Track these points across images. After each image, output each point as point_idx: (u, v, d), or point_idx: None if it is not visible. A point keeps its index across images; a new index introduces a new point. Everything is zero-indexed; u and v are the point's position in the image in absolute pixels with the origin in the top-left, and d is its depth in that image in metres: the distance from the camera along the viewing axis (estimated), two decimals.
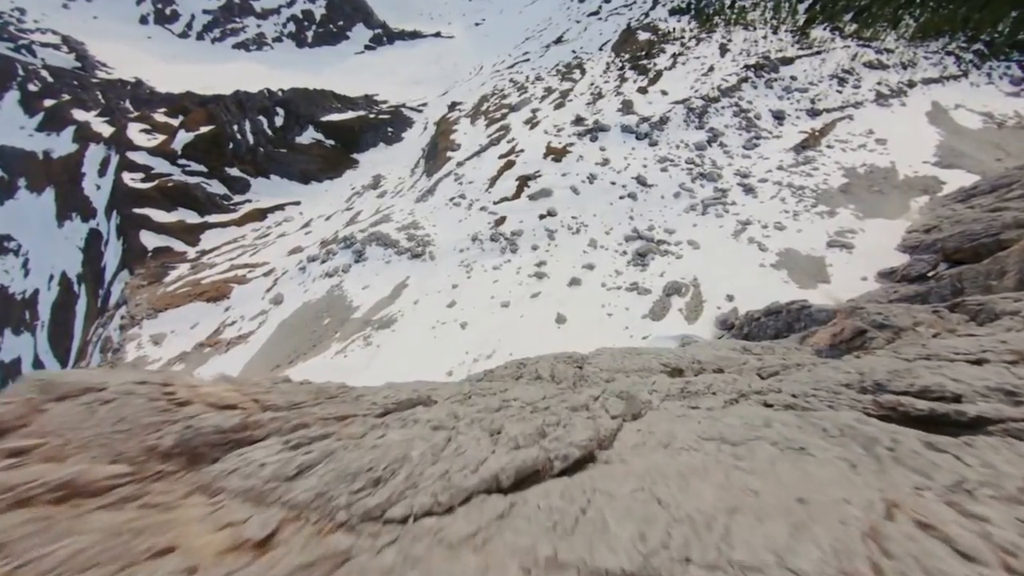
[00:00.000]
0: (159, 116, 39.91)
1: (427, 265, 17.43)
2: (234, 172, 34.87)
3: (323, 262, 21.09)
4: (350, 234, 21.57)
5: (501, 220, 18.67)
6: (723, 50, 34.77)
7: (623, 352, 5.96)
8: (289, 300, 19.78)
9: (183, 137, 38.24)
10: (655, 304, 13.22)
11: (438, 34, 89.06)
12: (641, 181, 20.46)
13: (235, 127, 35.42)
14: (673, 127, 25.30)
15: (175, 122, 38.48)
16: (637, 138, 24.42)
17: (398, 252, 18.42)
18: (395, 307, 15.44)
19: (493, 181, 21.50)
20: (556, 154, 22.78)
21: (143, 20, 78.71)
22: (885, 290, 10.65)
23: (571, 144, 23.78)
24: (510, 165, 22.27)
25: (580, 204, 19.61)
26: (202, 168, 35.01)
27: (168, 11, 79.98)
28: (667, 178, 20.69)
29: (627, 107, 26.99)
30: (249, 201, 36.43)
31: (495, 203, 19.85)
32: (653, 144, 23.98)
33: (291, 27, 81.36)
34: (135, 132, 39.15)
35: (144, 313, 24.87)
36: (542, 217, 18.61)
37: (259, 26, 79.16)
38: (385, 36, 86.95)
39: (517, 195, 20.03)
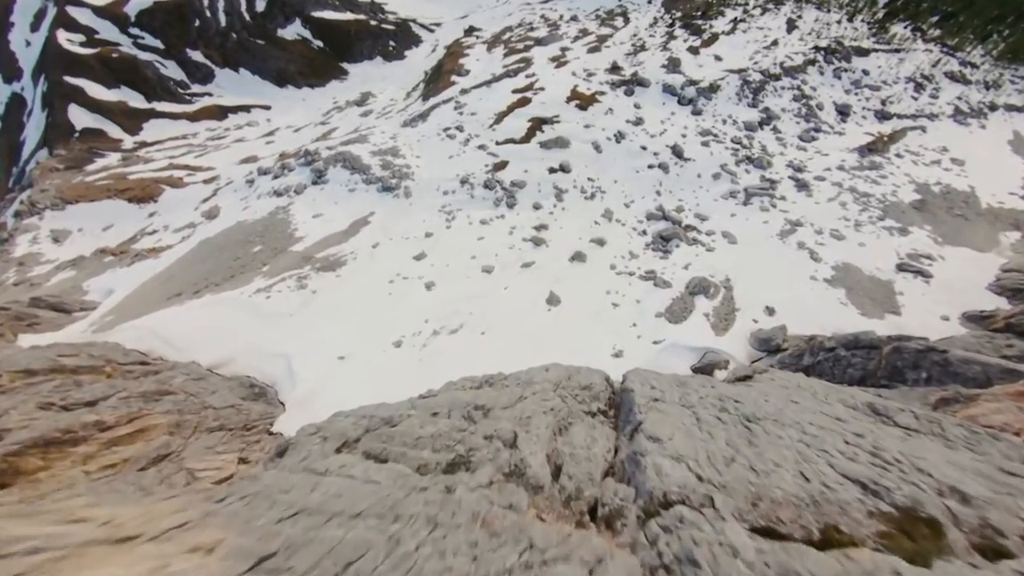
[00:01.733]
0: None
1: (399, 203, 14.40)
2: (196, 56, 29.89)
3: (275, 177, 17.70)
4: (314, 149, 18.10)
5: (501, 165, 15.59)
6: (791, 25, 31.11)
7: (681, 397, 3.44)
8: (225, 216, 16.51)
9: (140, 1, 32.50)
10: (675, 302, 10.76)
11: None
12: (677, 152, 17.56)
13: (206, 1, 30.10)
14: (723, 99, 22.15)
15: None
16: (680, 102, 21.24)
17: (367, 180, 15.25)
18: (348, 247, 12.52)
19: (500, 117, 18.17)
20: (582, 101, 19.47)
21: None
22: (979, 340, 8.40)
23: (601, 93, 20.43)
24: (524, 103, 18.89)
25: (600, 164, 16.66)
26: (158, 44, 29.85)
27: None
28: (707, 154, 17.85)
29: (673, 65, 23.52)
30: (210, 95, 31.65)
31: (498, 143, 16.67)
32: (697, 113, 20.89)
33: None
34: None
35: (49, 201, 21.04)
36: (552, 171, 15.63)
37: None
38: None
39: (527, 139, 16.87)
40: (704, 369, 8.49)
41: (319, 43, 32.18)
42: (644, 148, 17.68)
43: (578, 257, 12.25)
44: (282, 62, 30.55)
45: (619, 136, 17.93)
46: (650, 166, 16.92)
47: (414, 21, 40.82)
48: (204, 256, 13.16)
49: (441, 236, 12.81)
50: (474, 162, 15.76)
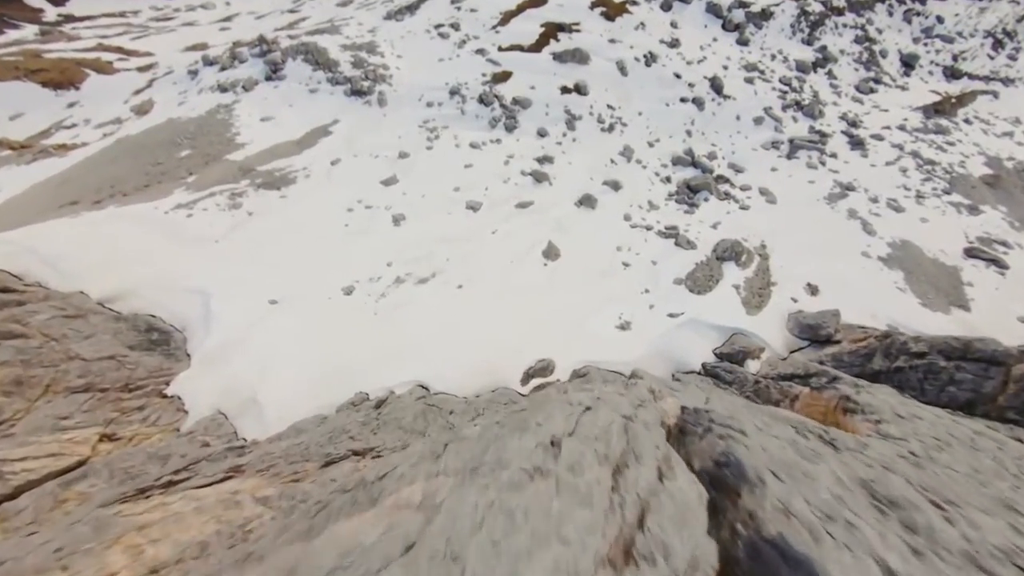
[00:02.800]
0: None
1: (370, 111, 11.77)
2: None
3: (222, 69, 14.52)
4: (272, 38, 14.78)
5: (503, 76, 12.83)
6: None
7: None
8: (160, 113, 13.58)
9: None
10: (698, 268, 8.99)
11: None
12: (716, 86, 14.88)
13: None
14: (774, 29, 18.94)
15: None
16: (724, 27, 18.03)
17: (333, 80, 12.40)
18: (300, 161, 10.14)
19: (507, 18, 14.93)
20: (610, 9, 16.17)
21: None
22: None
23: (634, 3, 17.03)
24: (538, 2, 15.54)
25: (624, 90, 13.99)
26: None
27: None
28: (751, 93, 15.23)
29: None
30: None
31: (501, 49, 13.71)
32: (743, 43, 17.81)
33: None
34: None
35: None
36: (566, 91, 12.97)
37: None
38: None
39: (538, 47, 13.91)
40: (733, 356, 6.93)
41: None
42: (678, 76, 14.92)
43: (586, 201, 10.18)
44: None
45: (650, 58, 15.03)
46: (683, 99, 14.32)
47: None
48: (116, 156, 10.61)
49: (419, 158, 10.48)
50: (469, 69, 12.93)
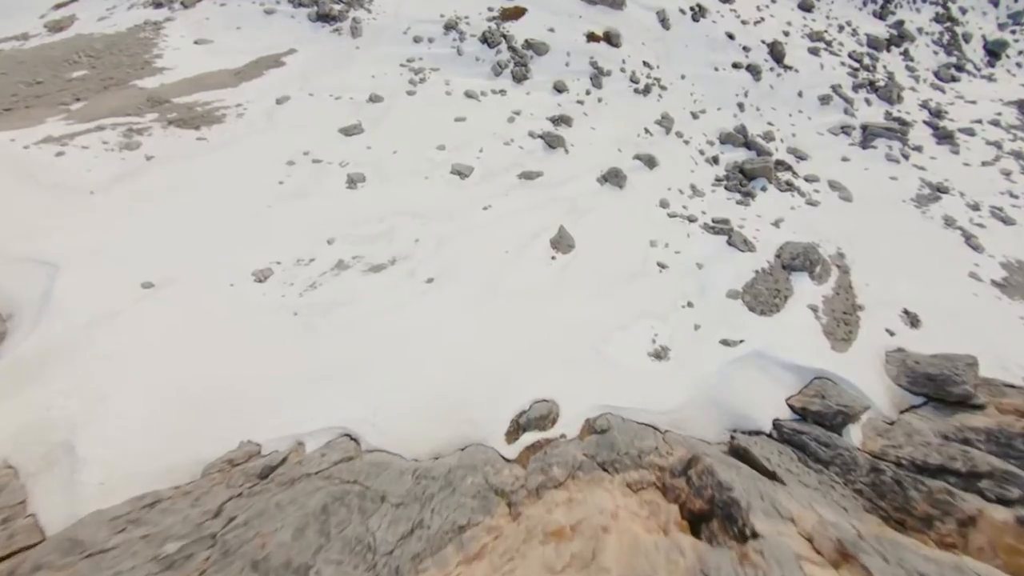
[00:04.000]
0: None
1: (340, 42, 9.46)
2: None
3: None
4: None
5: (514, 13, 10.52)
6: None
7: None
8: (78, 30, 11.19)
9: None
10: (759, 277, 6.93)
11: None
12: (776, 54, 12.63)
13: None
14: None
15: None
16: None
17: (296, 1, 10.05)
18: (236, 95, 7.89)
19: None
20: None
21: None
22: None
23: None
24: None
25: (665, 47, 11.74)
26: None
27: None
28: (816, 66, 13.01)
29: None
30: None
31: None
32: (806, 8, 15.48)
33: None
34: None
35: None
36: (593, 39, 10.69)
37: None
38: None
39: None
40: (824, 416, 4.89)
41: None
42: (731, 37, 12.64)
43: (613, 178, 8.02)
44: None
45: (698, 11, 12.72)
46: (735, 65, 12.08)
47: None
48: None
49: (396, 104, 8.25)
50: (471, 1, 10.59)
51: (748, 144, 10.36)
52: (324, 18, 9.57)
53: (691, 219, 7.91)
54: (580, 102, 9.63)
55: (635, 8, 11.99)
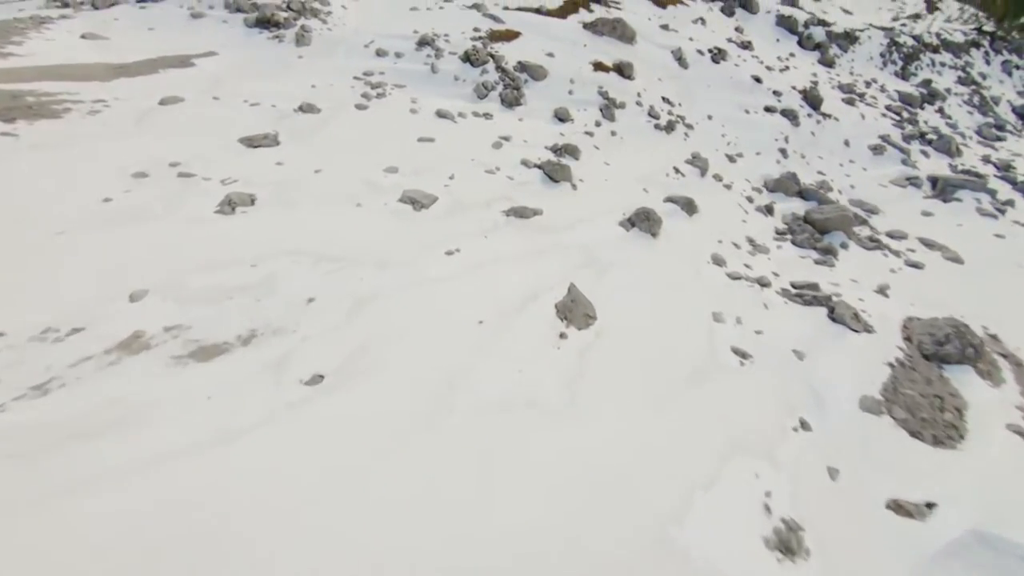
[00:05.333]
0: None
1: (278, 50, 7.73)
2: None
3: None
4: None
5: (505, 35, 9.11)
6: (931, 6, 25.73)
7: None
8: None
9: None
10: (899, 375, 4.42)
11: None
12: (812, 100, 11.42)
13: None
14: (862, 55, 16.29)
15: None
16: (801, 43, 15.21)
17: (234, 6, 8.55)
18: (103, 91, 5.79)
19: None
20: (661, 1, 13.22)
21: None
22: None
23: None
24: None
25: (684, 85, 10.39)
26: None
27: None
28: (856, 116, 11.78)
29: None
30: None
31: (507, 9, 10.21)
32: (828, 64, 14.88)
33: None
34: None
35: None
36: (601, 69, 9.23)
37: None
38: None
39: (562, 14, 10.47)
40: None
41: None
42: (758, 80, 11.47)
43: (643, 222, 5.80)
44: None
45: (717, 54, 11.69)
46: (768, 109, 10.70)
47: None
48: None
49: (338, 117, 6.21)
50: (455, 21, 9.23)
51: (803, 193, 8.49)
52: (265, 24, 7.95)
53: (762, 283, 5.58)
54: (589, 133, 7.77)
55: (647, 44, 10.86)
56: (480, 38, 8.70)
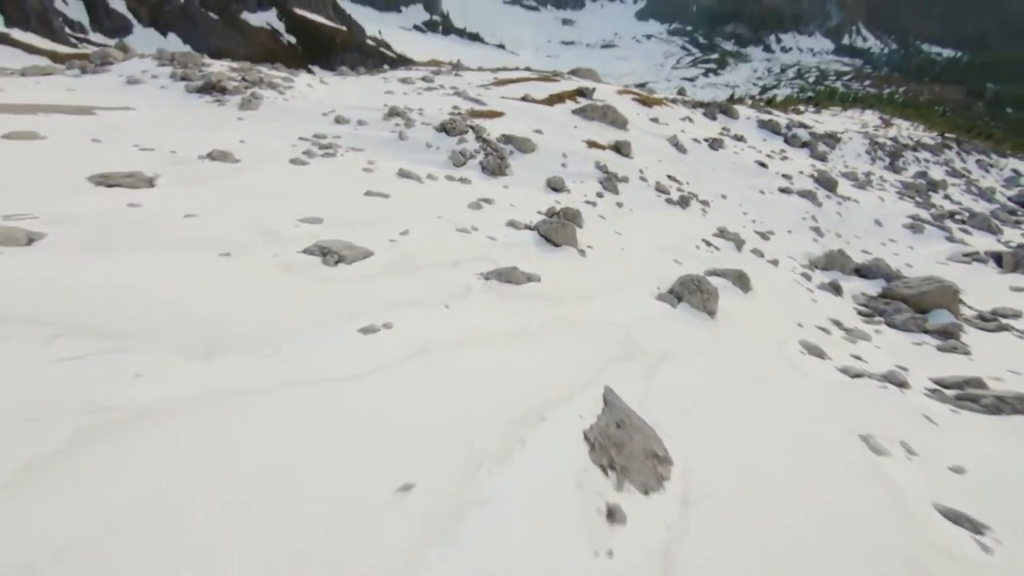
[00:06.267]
0: None
1: (216, 110, 6.58)
2: (117, 5, 25.90)
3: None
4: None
5: (487, 114, 8.32)
6: (886, 123, 28.17)
7: None
8: None
9: None
10: None
11: (502, 46, 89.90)
12: (825, 182, 10.69)
13: None
14: (851, 152, 16.55)
15: None
16: (788, 141, 15.33)
17: (182, 76, 7.73)
18: None
19: (504, 82, 11.69)
20: (642, 98, 13.40)
21: None
22: None
23: (672, 100, 14.66)
24: (552, 78, 12.68)
25: (687, 168, 9.56)
26: None
27: None
28: (873, 199, 10.97)
29: (767, 112, 18.55)
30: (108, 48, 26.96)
31: (510, 97, 9.78)
32: (819, 158, 14.78)
33: None
34: None
35: None
36: (596, 147, 8.31)
37: None
38: (442, 26, 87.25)
39: (549, 103, 10.03)
40: None
41: (291, 39, 28.90)
42: (763, 165, 10.83)
43: (692, 295, 3.98)
44: (234, 45, 26.50)
45: (714, 142, 11.24)
46: (784, 190, 9.78)
47: (418, 63, 39.45)
48: None
49: (260, 168, 4.70)
50: (434, 102, 8.53)
51: (861, 271, 6.93)
52: (210, 91, 6.98)
53: (896, 381, 3.61)
54: (591, 203, 6.39)
55: (639, 132, 10.33)
56: (459, 114, 7.84)
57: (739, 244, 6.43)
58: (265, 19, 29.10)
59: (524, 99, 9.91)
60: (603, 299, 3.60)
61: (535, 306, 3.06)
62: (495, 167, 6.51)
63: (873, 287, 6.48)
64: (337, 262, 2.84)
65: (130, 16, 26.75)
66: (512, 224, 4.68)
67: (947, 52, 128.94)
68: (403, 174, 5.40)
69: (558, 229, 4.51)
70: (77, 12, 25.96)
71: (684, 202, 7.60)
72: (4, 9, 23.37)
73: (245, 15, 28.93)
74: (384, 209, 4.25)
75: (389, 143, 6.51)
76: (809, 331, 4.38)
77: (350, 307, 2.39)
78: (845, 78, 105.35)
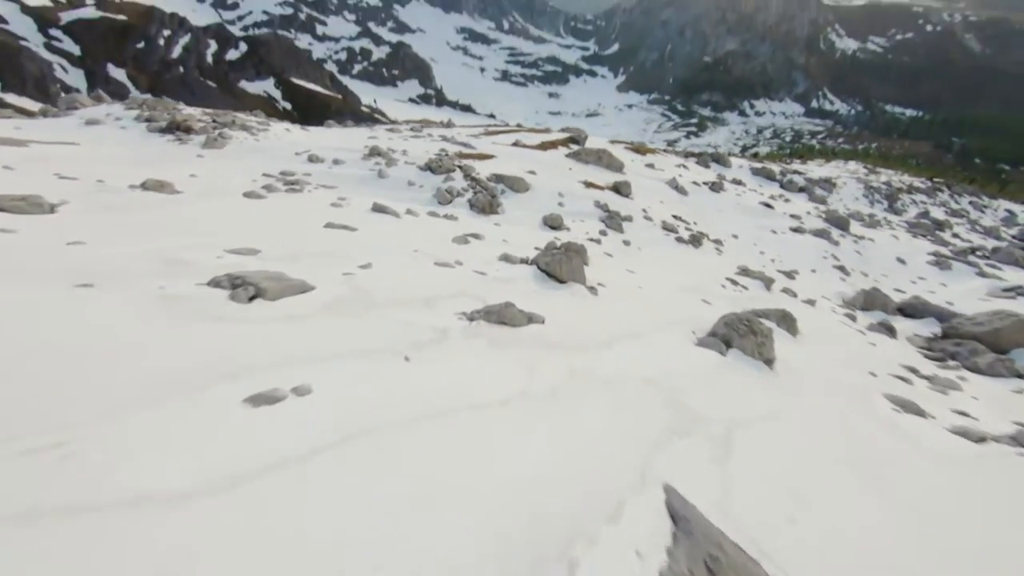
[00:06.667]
0: None
1: (175, 148, 5.94)
2: (117, 73, 26.78)
3: None
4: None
5: (478, 157, 7.86)
6: (871, 171, 28.89)
7: None
8: None
9: (85, 14, 30.97)
10: None
11: (492, 115, 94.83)
12: (837, 222, 10.20)
13: (166, 32, 28.79)
14: (848, 196, 16.45)
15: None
16: (784, 187, 15.17)
17: (148, 120, 7.22)
18: None
19: (492, 132, 11.52)
20: (633, 147, 13.29)
21: None
22: None
23: (663, 151, 14.63)
24: (541, 129, 12.63)
25: (692, 208, 9.05)
26: (75, 50, 27.08)
27: None
28: (887, 238, 10.44)
29: (759, 162, 18.74)
30: None
31: (479, 149, 9.43)
32: (819, 201, 14.52)
33: (343, 55, 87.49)
34: None
35: None
36: (593, 187, 7.80)
37: (310, 44, 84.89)
38: (436, 99, 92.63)
39: (541, 148, 9.70)
40: None
41: (287, 105, 29.93)
42: (768, 206, 10.38)
43: (744, 338, 3.09)
44: (227, 108, 27.45)
45: (715, 186, 10.88)
46: (795, 229, 9.23)
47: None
48: None
49: (200, 201, 3.92)
50: (419, 144, 8.10)
51: (905, 311, 6.14)
52: (172, 130, 6.44)
53: None
54: (595, 240, 5.69)
55: (636, 176, 9.93)
56: (442, 154, 7.34)
57: (767, 283, 5.66)
58: (263, 87, 30.51)
59: (515, 144, 9.58)
60: (628, 346, 2.71)
61: (540, 356, 2.16)
62: (485, 205, 5.85)
63: (925, 327, 5.65)
64: (252, 297, 1.98)
65: (129, 84, 27.73)
66: (506, 258, 3.89)
67: (909, 111, 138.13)
68: (378, 209, 4.69)
69: (562, 262, 3.71)
70: (76, 79, 26.90)
71: (695, 241, 6.92)
72: (2, 75, 24.04)
73: (243, 83, 30.24)
74: (347, 242, 3.45)
75: (367, 181, 5.88)
76: (887, 381, 3.46)
77: (247, 361, 1.50)
78: (819, 137, 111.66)
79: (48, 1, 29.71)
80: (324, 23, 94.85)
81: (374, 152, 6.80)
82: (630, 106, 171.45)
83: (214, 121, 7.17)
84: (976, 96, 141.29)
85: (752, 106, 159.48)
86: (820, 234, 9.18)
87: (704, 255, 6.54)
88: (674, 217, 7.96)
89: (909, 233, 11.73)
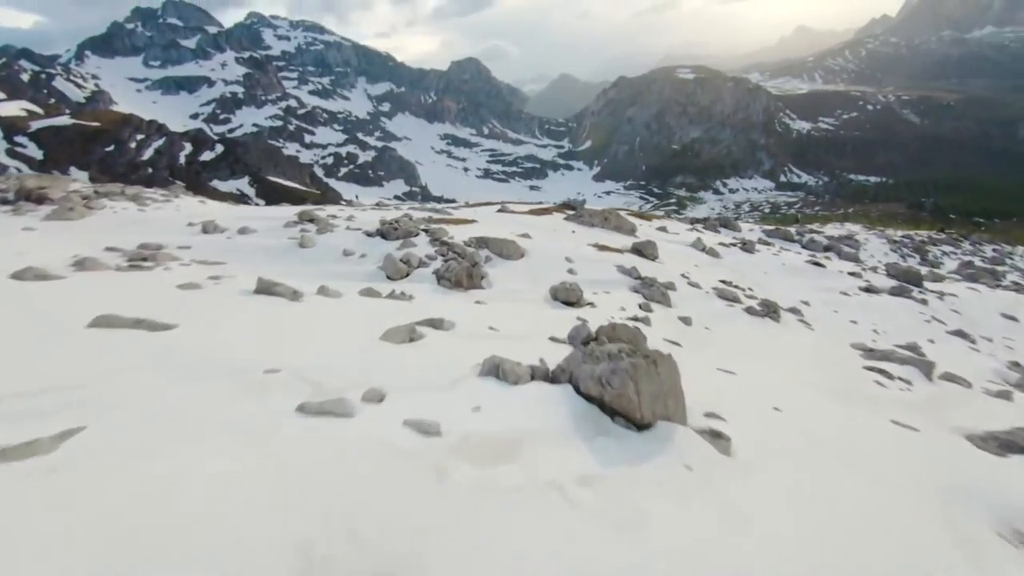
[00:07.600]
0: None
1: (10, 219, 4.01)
2: (79, 175, 26.16)
3: None
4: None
5: (456, 222, 6.05)
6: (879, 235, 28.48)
7: None
8: None
9: (56, 122, 31.15)
10: None
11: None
12: (911, 279, 8.45)
13: (139, 136, 28.85)
14: (876, 251, 15.03)
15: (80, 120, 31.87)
16: (804, 247, 13.71)
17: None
18: None
19: (476, 205, 10.03)
20: (632, 214, 11.89)
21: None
22: None
23: (662, 219, 13.33)
24: (531, 202, 11.16)
25: (733, 271, 7.26)
26: (38, 155, 26.79)
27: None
28: (963, 290, 8.57)
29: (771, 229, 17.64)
30: None
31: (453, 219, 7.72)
32: (850, 259, 12.97)
33: (329, 159, 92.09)
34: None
35: None
36: (608, 250, 5.94)
37: (297, 151, 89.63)
38: (421, 195, 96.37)
39: (533, 214, 8.05)
40: None
41: (260, 201, 29.32)
42: (818, 264, 8.57)
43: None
44: None
45: (746, 246, 9.22)
46: (867, 290, 7.32)
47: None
48: None
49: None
50: (375, 213, 6.33)
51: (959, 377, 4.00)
52: (15, 201, 4.54)
53: None
54: (640, 320, 3.64)
55: (653, 239, 8.24)
56: (409, 219, 5.52)
57: (927, 369, 3.54)
58: (236, 185, 30.30)
59: (502, 211, 7.95)
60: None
61: None
62: (460, 276, 3.86)
63: None
64: None
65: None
66: (497, 372, 1.77)
67: (872, 178, 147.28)
68: (264, 289, 2.61)
69: (636, 378, 1.58)
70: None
71: (771, 312, 4.90)
72: None
73: (216, 182, 30.01)
74: (112, 358, 1.31)
75: (277, 252, 3.93)
76: None
77: None
78: (796, 207, 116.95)
79: (22, 111, 30.36)
80: (312, 132, 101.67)
81: (304, 218, 4.95)
82: (608, 192, 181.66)
83: (95, 192, 5.38)
84: (927, 161, 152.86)
85: (725, 184, 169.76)
86: (898, 292, 7.30)
87: (793, 332, 4.49)
88: (722, 282, 6.03)
89: (981, 285, 9.96)
